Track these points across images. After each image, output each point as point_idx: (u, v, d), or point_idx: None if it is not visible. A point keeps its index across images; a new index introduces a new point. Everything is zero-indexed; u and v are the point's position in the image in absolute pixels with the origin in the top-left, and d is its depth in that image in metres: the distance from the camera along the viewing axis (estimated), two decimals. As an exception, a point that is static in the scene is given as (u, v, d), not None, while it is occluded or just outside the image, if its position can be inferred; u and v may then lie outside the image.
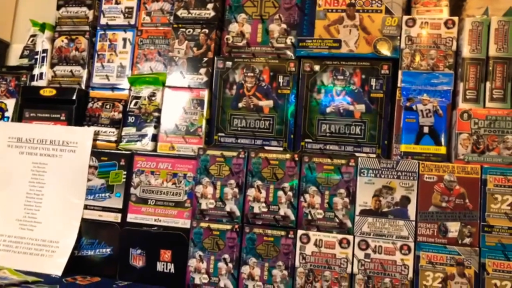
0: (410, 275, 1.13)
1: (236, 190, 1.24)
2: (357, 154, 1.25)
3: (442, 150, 1.19)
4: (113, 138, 1.43)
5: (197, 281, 1.23)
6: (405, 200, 1.15)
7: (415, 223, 1.14)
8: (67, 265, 1.32)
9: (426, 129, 1.20)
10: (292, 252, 1.19)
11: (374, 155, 1.24)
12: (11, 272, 1.27)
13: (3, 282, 1.18)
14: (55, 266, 1.31)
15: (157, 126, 1.39)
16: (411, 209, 1.15)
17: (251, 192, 1.24)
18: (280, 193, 1.22)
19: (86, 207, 1.37)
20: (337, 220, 1.18)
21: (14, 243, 1.38)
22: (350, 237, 1.17)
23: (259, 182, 1.23)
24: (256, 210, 1.23)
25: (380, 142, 1.25)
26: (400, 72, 1.25)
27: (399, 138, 1.22)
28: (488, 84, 1.19)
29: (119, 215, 1.35)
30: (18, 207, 1.41)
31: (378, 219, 1.16)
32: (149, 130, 1.39)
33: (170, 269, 1.28)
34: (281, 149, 1.30)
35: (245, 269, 1.21)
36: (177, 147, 1.36)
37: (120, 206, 1.35)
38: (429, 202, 1.14)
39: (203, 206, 1.26)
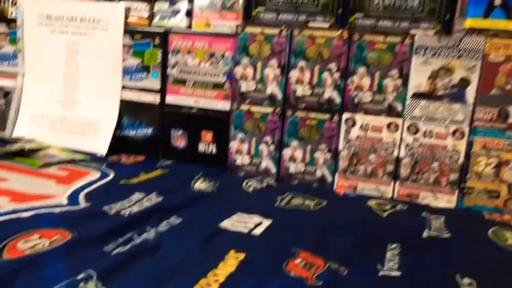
0: (461, 160, 1.08)
1: (278, 71, 1.17)
2: (413, 31, 1.12)
3: (514, 25, 1.04)
4: (146, 14, 1.33)
5: (238, 163, 1.24)
6: (464, 82, 1.05)
7: (472, 107, 1.06)
8: (111, 144, 1.34)
9: (498, 0, 1.04)
10: (336, 135, 1.15)
11: (433, 32, 1.11)
12: (59, 150, 1.31)
13: (53, 160, 1.22)
14: (100, 145, 1.34)
15: (191, 0, 1.28)
16: (470, 92, 1.05)
17: (294, 74, 1.16)
18: (326, 74, 1.14)
19: (123, 87, 1.34)
20: (387, 104, 1.11)
21: (58, 123, 1.40)
22: (399, 121, 1.11)
23: (302, 63, 1.15)
24: (299, 93, 1.16)
25: (441, 16, 1.10)
26: None
27: (464, 11, 1.07)
28: None
29: (158, 96, 1.32)
30: (56, 87, 1.40)
31: (431, 102, 1.08)
32: (183, 5, 1.28)
33: (211, 150, 1.28)
34: (327, 25, 1.18)
35: (287, 152, 1.19)
36: (213, 24, 1.26)
37: (158, 87, 1.31)
38: (491, 84, 1.04)
39: (243, 89, 1.20)
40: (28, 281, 0.61)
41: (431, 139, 1.09)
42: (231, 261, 0.72)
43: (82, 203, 0.94)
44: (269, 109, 1.19)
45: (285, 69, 1.16)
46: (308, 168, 1.19)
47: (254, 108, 1.20)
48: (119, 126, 1.35)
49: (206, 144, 1.28)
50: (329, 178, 1.18)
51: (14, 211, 0.85)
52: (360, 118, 1.13)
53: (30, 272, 0.63)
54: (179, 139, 1.31)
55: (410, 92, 1.09)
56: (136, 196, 0.98)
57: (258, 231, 0.86)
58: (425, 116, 1.09)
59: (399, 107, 1.11)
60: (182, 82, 1.28)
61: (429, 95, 1.08)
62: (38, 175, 1.11)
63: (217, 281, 0.66)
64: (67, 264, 0.66)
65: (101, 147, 1.33)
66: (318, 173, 1.18)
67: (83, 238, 0.75)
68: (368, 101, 1.12)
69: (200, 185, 1.11)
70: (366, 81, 1.11)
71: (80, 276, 0.62)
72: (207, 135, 1.28)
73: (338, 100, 1.14)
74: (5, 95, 1.44)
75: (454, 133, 1.08)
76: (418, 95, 1.09)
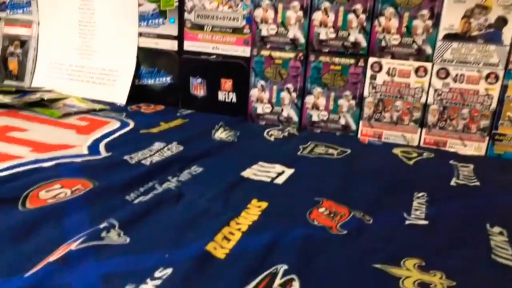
0: (494, 105, 1.03)
1: (301, 13, 1.11)
2: (447, -35, 1.04)
3: (559, -44, 0.95)
4: (160, -44, 1.27)
5: (259, 111, 1.21)
6: (501, 21, 0.98)
7: (509, 49, 0.99)
8: (130, 93, 1.32)
9: None
10: (361, 81, 1.10)
11: (468, -34, 1.03)
12: (78, 100, 1.30)
13: (72, 110, 1.21)
14: (119, 95, 1.32)
15: None
16: (507, 32, 0.98)
17: (318, 16, 1.10)
18: (351, 16, 1.07)
19: (140, 34, 1.30)
20: (416, 46, 1.05)
21: (76, 72, 1.38)
22: (429, 65, 1.05)
23: (326, 4, 1.08)
24: (322, 36, 1.11)
25: None
26: None
27: None
28: None
29: (175, 42, 1.27)
30: (73, 36, 1.37)
31: (464, 44, 1.01)
32: None
33: (231, 99, 1.25)
34: (353, -38, 1.10)
35: (310, 99, 1.16)
36: (232, -36, 1.19)
37: (176, 33, 1.27)
38: (531, 23, 0.97)
39: (264, 32, 1.15)
40: (51, 229, 0.61)
41: (462, 84, 1.04)
42: (254, 210, 0.71)
43: (103, 152, 0.93)
44: (291, 54, 1.14)
45: (308, 11, 1.10)
46: (331, 116, 1.15)
47: (275, 54, 1.15)
48: (137, 74, 1.33)
49: (226, 93, 1.25)
50: (353, 126, 1.14)
51: (36, 161, 0.84)
52: (386, 62, 1.07)
53: (52, 221, 0.63)
54: (198, 88, 1.28)
55: (442, 33, 1.02)
56: (157, 145, 0.97)
57: (280, 180, 0.84)
58: (457, 59, 1.03)
59: (428, 50, 1.04)
60: (200, 27, 1.23)
61: (462, 36, 1.01)
62: (58, 125, 1.10)
63: (239, 229, 0.65)
64: (89, 213, 0.66)
65: (120, 97, 1.32)
66: (342, 121, 1.15)
67: (104, 187, 0.75)
68: (396, 44, 1.06)
69: (221, 134, 1.09)
70: (394, 23, 1.05)
71: (102, 225, 0.62)
72: (227, 83, 1.24)
73: (364, 43, 1.08)
74: (21, 45, 1.41)
75: (487, 77, 1.02)
76: (450, 37, 1.02)
